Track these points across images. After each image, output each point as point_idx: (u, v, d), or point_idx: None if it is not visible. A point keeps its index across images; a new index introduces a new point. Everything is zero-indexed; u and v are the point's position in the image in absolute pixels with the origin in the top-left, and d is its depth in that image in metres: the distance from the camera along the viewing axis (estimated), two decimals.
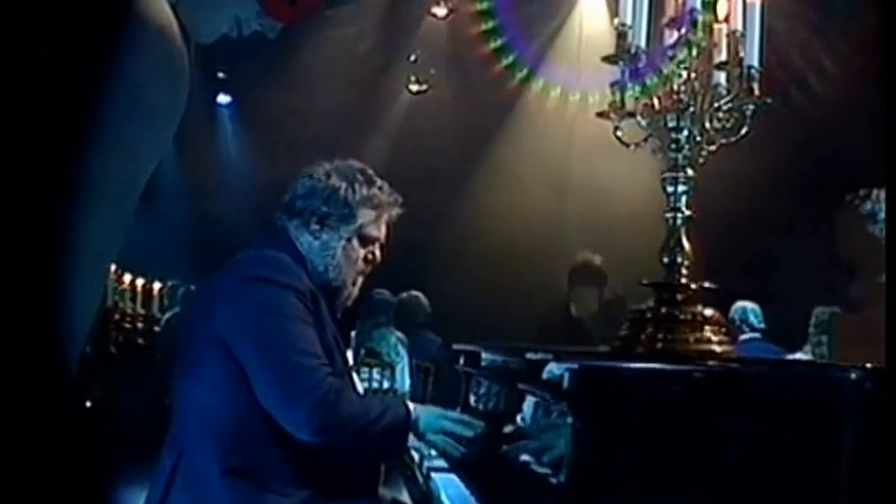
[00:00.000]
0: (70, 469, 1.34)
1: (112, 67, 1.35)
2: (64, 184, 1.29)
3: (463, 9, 9.48)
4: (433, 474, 2.79)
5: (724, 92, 2.80)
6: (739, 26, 2.79)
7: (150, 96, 1.42)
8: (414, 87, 9.53)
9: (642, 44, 2.79)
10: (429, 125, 9.70)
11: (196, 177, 10.35)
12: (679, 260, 2.79)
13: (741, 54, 2.78)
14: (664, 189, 2.83)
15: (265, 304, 2.52)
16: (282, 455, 2.48)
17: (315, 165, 2.79)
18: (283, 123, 9.61)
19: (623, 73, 2.89)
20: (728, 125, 2.83)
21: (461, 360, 3.46)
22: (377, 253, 2.82)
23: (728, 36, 2.80)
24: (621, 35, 2.83)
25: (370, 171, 2.81)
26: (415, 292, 7.47)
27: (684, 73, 2.80)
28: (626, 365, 2.29)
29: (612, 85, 2.94)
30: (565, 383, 2.14)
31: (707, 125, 2.82)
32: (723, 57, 2.80)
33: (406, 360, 6.92)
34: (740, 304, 6.48)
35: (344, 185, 2.73)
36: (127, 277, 7.32)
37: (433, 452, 2.84)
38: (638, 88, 2.85)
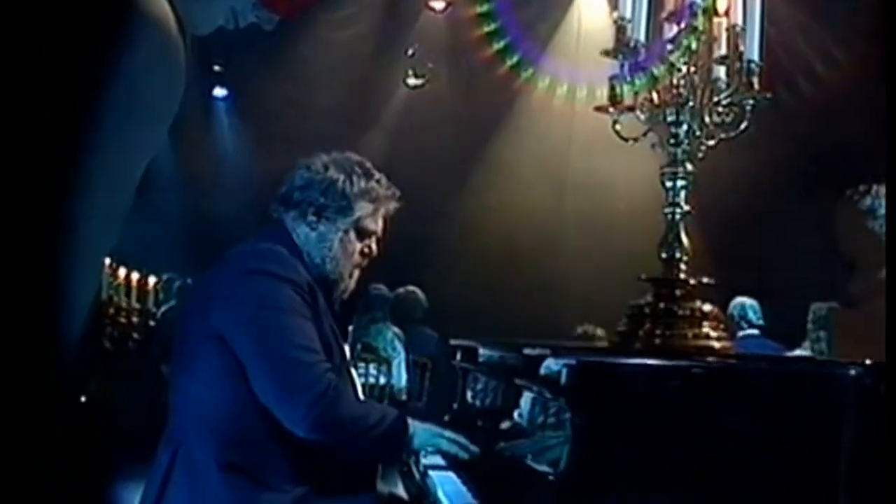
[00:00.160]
0: (66, 465, 1.34)
1: (107, 60, 1.34)
2: (59, 177, 1.29)
3: (461, 3, 9.47)
4: (430, 471, 2.79)
5: (723, 86, 2.80)
6: (739, 20, 2.79)
7: (146, 88, 1.41)
8: (412, 82, 9.52)
9: (641, 38, 2.78)
10: (426, 120, 9.70)
11: (192, 171, 10.34)
12: (677, 255, 2.80)
13: (741, 48, 2.78)
14: (663, 184, 2.84)
15: (263, 298, 2.52)
16: (280, 451, 2.47)
17: (313, 157, 2.78)
18: (280, 117, 9.61)
19: (622, 67, 2.89)
20: (727, 120, 2.83)
21: (458, 356, 3.46)
22: (374, 247, 2.81)
23: (728, 30, 2.80)
24: (620, 29, 2.83)
25: (368, 164, 2.81)
26: (412, 287, 7.47)
27: (684, 68, 2.80)
28: (624, 361, 2.29)
29: (611, 79, 2.94)
30: (563, 379, 2.14)
31: (706, 120, 2.82)
32: (722, 51, 2.80)
33: (403, 355, 6.92)
34: (739, 300, 6.48)
35: (342, 177, 2.72)
36: (122, 272, 7.31)
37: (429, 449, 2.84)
38: (637, 83, 2.84)
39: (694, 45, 2.74)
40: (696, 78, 2.83)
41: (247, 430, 2.47)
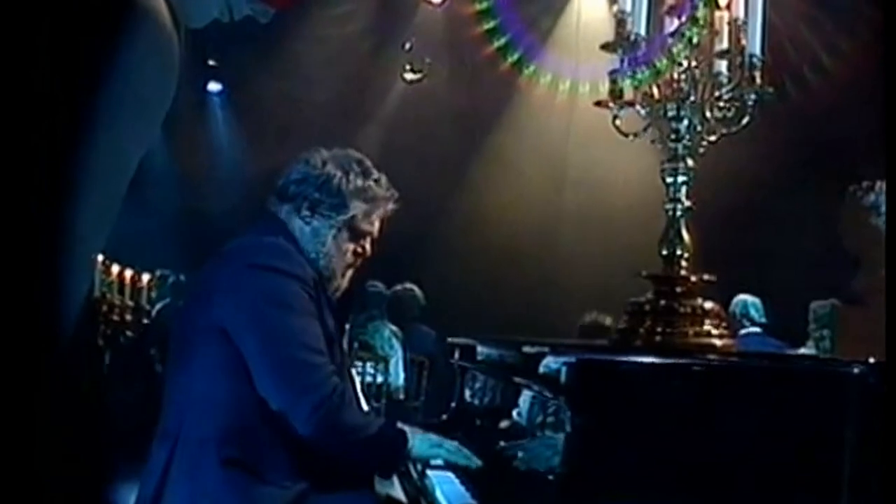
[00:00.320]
0: (60, 464, 1.34)
1: (99, 52, 1.34)
2: (52, 172, 1.28)
3: None
4: (428, 471, 2.79)
5: (725, 81, 2.80)
6: (741, 14, 2.79)
7: (139, 82, 1.41)
8: (409, 76, 9.50)
9: (642, 31, 2.78)
10: (424, 115, 9.69)
11: (185, 166, 10.32)
12: (678, 252, 2.79)
13: (743, 42, 2.78)
14: (663, 180, 2.83)
15: (271, 295, 2.51)
16: (280, 447, 2.47)
17: (313, 152, 2.78)
18: (275, 112, 9.60)
19: (622, 61, 2.89)
20: (729, 115, 2.82)
21: (456, 354, 3.46)
22: (367, 247, 2.81)
23: (730, 24, 2.80)
24: (620, 23, 2.82)
25: (368, 163, 2.80)
26: (409, 285, 7.48)
27: (685, 62, 2.80)
28: (624, 359, 2.29)
29: (611, 73, 2.93)
30: (563, 377, 2.14)
31: (707, 115, 2.82)
32: (724, 45, 2.79)
33: (400, 353, 6.92)
34: (741, 297, 6.47)
35: (339, 174, 2.72)
36: (115, 268, 7.29)
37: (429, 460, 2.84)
38: (637, 77, 2.84)
39: (695, 39, 2.73)
40: (698, 72, 2.82)
41: (247, 426, 2.47)
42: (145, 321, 7.74)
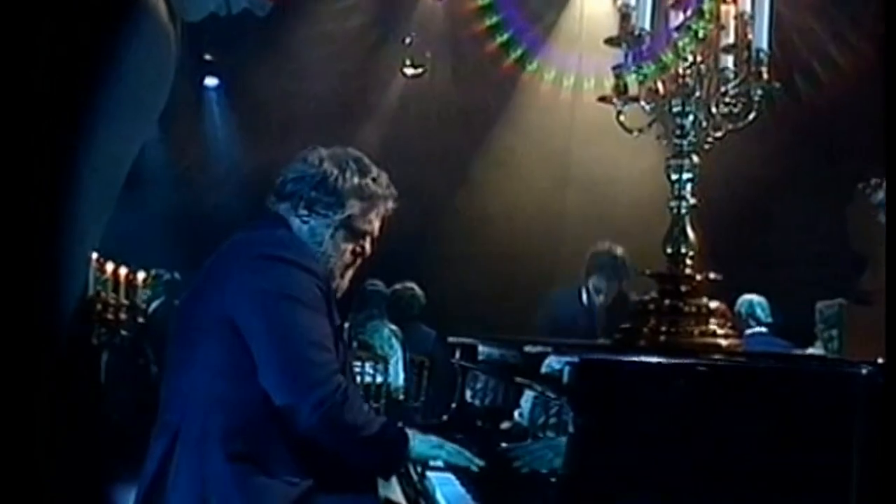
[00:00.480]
0: (57, 464, 1.34)
1: (95, 46, 1.34)
2: (49, 169, 1.29)
3: None
4: (428, 472, 2.79)
5: (731, 76, 2.80)
6: (748, 8, 2.79)
7: (135, 77, 1.41)
8: (409, 71, 9.49)
9: (647, 26, 2.78)
10: (424, 110, 9.69)
11: (182, 162, 10.33)
12: (683, 250, 2.79)
13: (749, 37, 2.78)
14: (668, 177, 2.83)
15: (282, 287, 2.52)
16: (288, 442, 2.48)
17: (310, 150, 2.79)
18: (273, 107, 9.60)
19: (626, 56, 2.89)
20: (735, 111, 2.82)
21: (457, 354, 3.46)
22: (367, 247, 2.81)
23: (736, 18, 2.80)
24: (625, 17, 2.83)
25: (367, 161, 2.80)
26: (409, 283, 7.47)
27: (690, 57, 2.79)
28: (628, 359, 2.29)
29: (615, 68, 2.93)
30: (565, 377, 2.15)
31: (713, 110, 2.82)
32: (730, 40, 2.79)
33: (400, 353, 6.92)
34: (747, 297, 6.47)
35: (335, 172, 2.72)
36: (109, 266, 7.29)
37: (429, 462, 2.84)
38: (642, 72, 2.84)
39: (701, 33, 2.73)
40: (703, 67, 2.82)
41: (254, 420, 2.48)
42: (141, 320, 7.74)
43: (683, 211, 2.81)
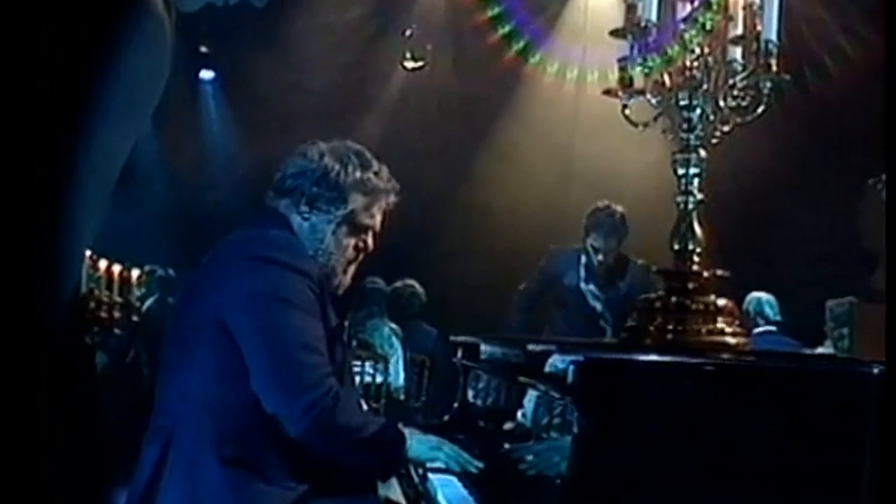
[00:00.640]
0: (51, 466, 1.34)
1: (87, 38, 1.34)
2: (43, 164, 1.29)
3: None
4: (430, 474, 2.79)
5: (739, 68, 2.79)
6: None
7: (129, 69, 1.41)
8: (409, 64, 9.49)
9: (653, 17, 2.78)
10: (425, 104, 9.68)
11: (176, 157, 10.32)
12: (690, 247, 2.79)
13: (758, 28, 2.78)
14: (675, 172, 2.83)
15: (274, 289, 2.51)
16: (283, 447, 2.48)
17: (310, 144, 2.78)
18: (271, 101, 9.59)
19: (632, 48, 2.88)
20: (743, 104, 2.82)
21: (459, 353, 3.46)
22: (369, 242, 2.81)
23: (744, 8, 2.80)
24: (630, 8, 2.83)
25: (368, 155, 2.80)
26: (410, 281, 7.47)
27: (697, 49, 2.79)
28: (634, 358, 2.29)
29: (621, 61, 2.93)
30: (569, 377, 2.14)
31: (721, 103, 2.81)
32: (739, 31, 2.79)
33: (400, 352, 6.92)
34: (755, 294, 6.47)
35: (337, 166, 2.72)
36: (102, 264, 7.29)
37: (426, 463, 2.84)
38: (648, 64, 2.84)
39: (708, 25, 2.73)
40: (711, 59, 2.82)
41: (248, 424, 2.47)
42: (135, 318, 7.74)
43: (690, 206, 2.81)
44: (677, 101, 2.82)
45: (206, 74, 10.92)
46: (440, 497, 2.67)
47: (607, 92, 2.97)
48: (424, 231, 9.21)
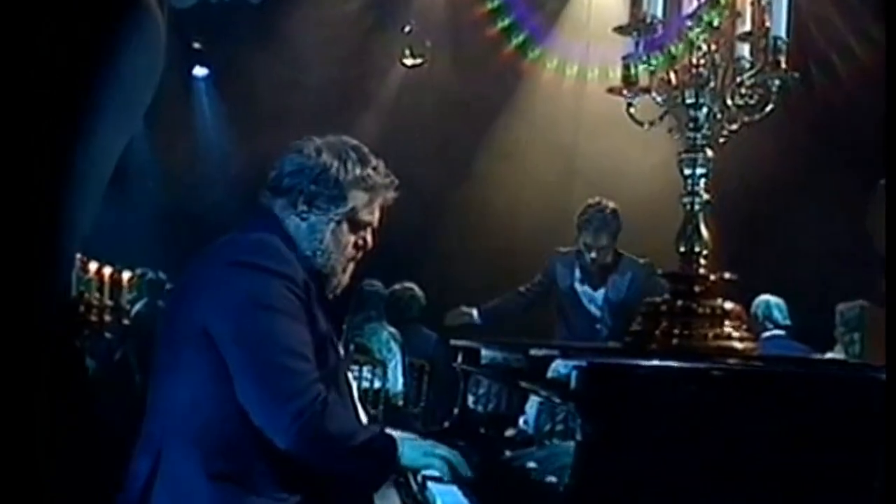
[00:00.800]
0: (39, 472, 1.35)
1: (80, 35, 1.34)
2: (38, 162, 1.29)
3: None
4: (429, 483, 2.79)
5: (747, 65, 2.80)
6: None
7: (122, 66, 1.41)
8: (408, 61, 9.49)
9: (658, 13, 2.78)
10: (424, 102, 9.68)
11: (169, 156, 10.32)
12: (697, 249, 2.80)
13: (767, 24, 2.78)
14: (681, 172, 2.83)
15: (255, 295, 2.50)
16: (272, 458, 2.47)
17: (305, 140, 2.76)
18: (266, 98, 9.58)
19: (637, 44, 2.89)
20: (751, 102, 2.82)
21: (459, 358, 3.46)
22: (369, 238, 2.80)
23: (753, 4, 2.80)
24: (635, 3, 2.83)
25: (365, 150, 2.79)
26: (408, 283, 7.46)
27: (704, 45, 2.80)
28: (638, 363, 2.30)
29: (625, 58, 2.94)
30: (572, 382, 2.15)
31: (728, 102, 2.82)
32: (747, 27, 2.79)
33: (399, 357, 6.91)
34: (763, 298, 6.47)
35: (336, 163, 2.70)
36: (93, 266, 7.28)
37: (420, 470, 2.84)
38: (653, 62, 2.84)
39: (715, 21, 2.73)
40: (718, 56, 2.82)
41: (235, 436, 2.46)
42: (126, 322, 7.74)
43: (697, 207, 2.81)
44: (683, 100, 2.83)
45: (199, 71, 10.93)
46: None
47: (612, 90, 2.97)
48: (423, 232, 9.21)
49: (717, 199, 2.83)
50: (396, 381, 6.89)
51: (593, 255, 5.61)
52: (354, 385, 2.89)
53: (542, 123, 9.46)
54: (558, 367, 2.28)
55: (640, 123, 2.95)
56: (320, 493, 2.53)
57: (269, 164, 2.80)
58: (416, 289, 7.44)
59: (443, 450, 2.67)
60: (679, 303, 2.75)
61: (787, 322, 6.45)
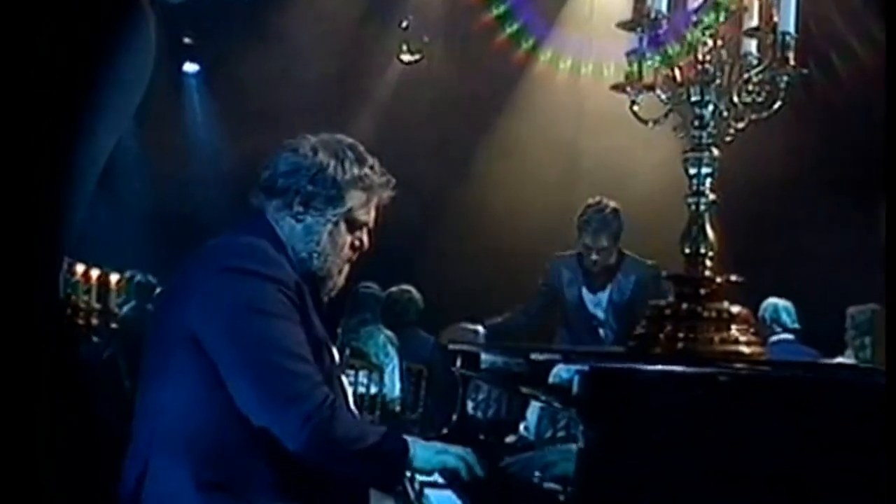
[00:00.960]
0: (39, 472, 1.35)
1: (68, 31, 1.35)
2: (32, 160, 1.30)
3: None
4: (426, 490, 2.80)
5: (754, 62, 2.80)
6: None
7: (113, 63, 1.42)
8: (406, 57, 9.51)
9: (663, 8, 2.78)
10: (421, 99, 9.68)
11: (158, 154, 10.32)
12: (702, 250, 2.80)
13: (775, 19, 2.78)
14: (686, 171, 2.83)
15: (248, 300, 2.49)
16: (263, 466, 2.47)
17: (299, 139, 2.75)
18: (258, 95, 9.58)
19: (641, 40, 2.89)
20: (759, 99, 2.83)
21: (458, 362, 3.46)
22: (365, 239, 2.80)
23: None
24: None
25: (361, 148, 2.78)
26: (405, 286, 7.46)
27: (710, 41, 2.80)
28: (642, 367, 2.30)
29: (629, 54, 2.94)
30: (574, 387, 2.15)
31: (735, 99, 2.82)
32: (754, 22, 2.80)
33: (396, 361, 6.91)
34: (771, 301, 6.48)
35: (333, 162, 2.70)
36: (80, 268, 7.28)
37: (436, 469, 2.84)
38: (658, 58, 2.84)
39: (721, 16, 2.74)
40: (724, 53, 2.83)
41: (225, 443, 2.46)
42: (114, 325, 7.73)
43: (702, 208, 2.81)
44: (689, 97, 2.83)
45: (190, 67, 10.93)
46: None
47: (615, 87, 2.98)
48: (421, 233, 9.21)
49: (724, 199, 2.83)
50: (393, 386, 6.89)
51: (594, 256, 5.58)
52: (350, 390, 2.88)
53: (543, 121, 9.47)
54: (560, 371, 2.29)
55: (644, 121, 2.96)
56: (318, 498, 2.53)
57: (261, 162, 2.80)
58: (414, 291, 7.44)
59: (457, 449, 2.68)
60: (684, 306, 2.75)
61: (796, 325, 6.45)
